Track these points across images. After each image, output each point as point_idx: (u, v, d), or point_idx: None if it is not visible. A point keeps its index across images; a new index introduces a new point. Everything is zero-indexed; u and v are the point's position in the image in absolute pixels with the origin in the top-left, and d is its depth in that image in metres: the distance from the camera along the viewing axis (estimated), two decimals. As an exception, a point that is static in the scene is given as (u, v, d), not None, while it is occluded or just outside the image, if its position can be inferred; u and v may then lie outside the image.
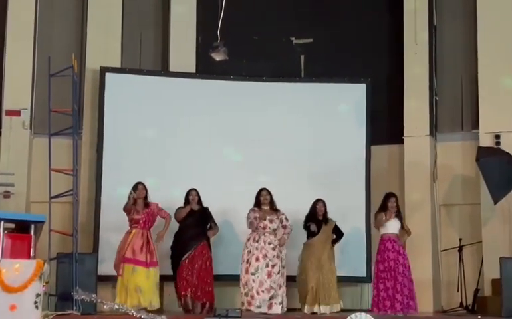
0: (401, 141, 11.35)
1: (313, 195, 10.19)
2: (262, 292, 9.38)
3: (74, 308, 8.52)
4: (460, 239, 10.80)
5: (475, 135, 11.15)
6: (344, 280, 10.46)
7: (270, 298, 9.40)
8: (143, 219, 9.44)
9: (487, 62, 11.03)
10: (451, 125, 11.54)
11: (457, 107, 11.51)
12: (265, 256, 9.47)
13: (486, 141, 10.89)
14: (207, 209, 9.94)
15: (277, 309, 9.40)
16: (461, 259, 10.67)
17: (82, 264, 8.94)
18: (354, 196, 11.13)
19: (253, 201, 9.80)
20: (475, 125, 11.20)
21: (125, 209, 9.49)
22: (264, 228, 9.61)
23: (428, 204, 11.13)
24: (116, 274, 9.37)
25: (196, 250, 9.67)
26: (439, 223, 11.35)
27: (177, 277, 9.65)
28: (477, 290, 10.34)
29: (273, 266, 9.46)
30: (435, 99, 11.51)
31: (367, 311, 8.96)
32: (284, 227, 9.74)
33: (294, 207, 10.08)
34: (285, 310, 9.55)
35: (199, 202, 9.91)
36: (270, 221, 9.64)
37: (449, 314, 10.45)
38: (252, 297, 9.37)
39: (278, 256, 9.54)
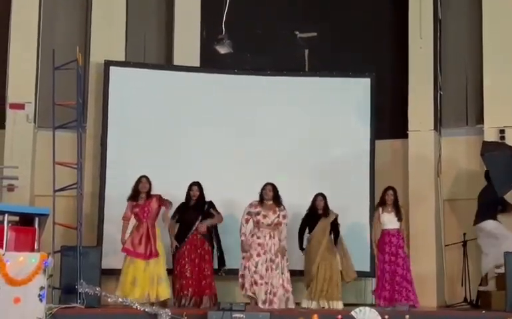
0: (406, 136, 11.33)
1: (317, 190, 10.17)
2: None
3: (78, 301, 8.52)
4: (464, 234, 10.77)
5: (479, 130, 11.13)
6: (347, 274, 10.45)
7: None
8: (143, 211, 9.40)
9: (491, 57, 11.00)
10: (456, 120, 11.52)
11: (462, 101, 11.48)
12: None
13: (491, 135, 10.86)
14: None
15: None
16: (465, 254, 10.67)
17: (86, 257, 8.93)
18: (358, 190, 11.12)
19: (256, 194, 9.72)
20: (480, 119, 11.18)
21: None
22: (257, 223, 9.53)
23: (432, 199, 11.11)
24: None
25: (187, 244, 9.65)
26: (443, 218, 11.33)
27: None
28: (481, 285, 10.32)
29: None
30: (440, 93, 11.48)
31: (371, 305, 8.97)
32: (279, 224, 9.54)
33: (297, 201, 10.09)
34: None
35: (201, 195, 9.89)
36: (264, 217, 9.51)
37: (452, 309, 10.43)
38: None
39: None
